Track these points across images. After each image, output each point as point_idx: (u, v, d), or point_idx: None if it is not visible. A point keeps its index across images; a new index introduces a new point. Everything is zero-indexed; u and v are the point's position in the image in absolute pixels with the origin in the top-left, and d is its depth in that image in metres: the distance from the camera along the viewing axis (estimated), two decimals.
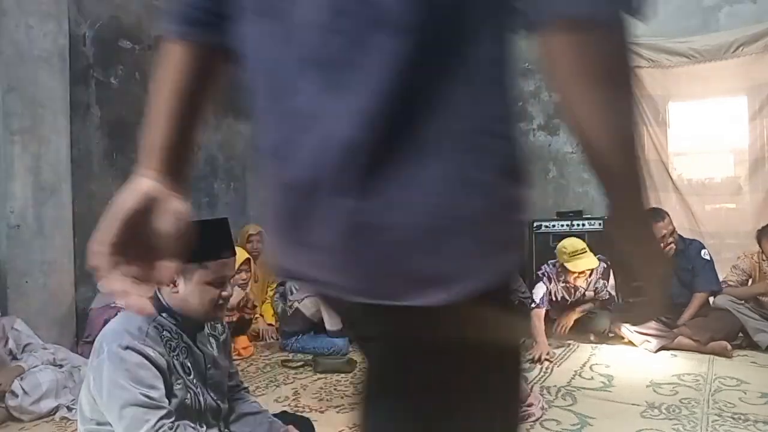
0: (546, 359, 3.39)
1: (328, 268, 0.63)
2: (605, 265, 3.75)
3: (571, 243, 3.74)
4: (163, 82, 0.77)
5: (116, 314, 1.76)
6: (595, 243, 3.95)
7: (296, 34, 0.61)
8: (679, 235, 3.73)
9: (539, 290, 3.83)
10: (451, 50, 0.58)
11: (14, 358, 2.74)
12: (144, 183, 0.73)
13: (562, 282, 3.86)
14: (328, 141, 0.58)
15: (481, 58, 0.60)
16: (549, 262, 3.96)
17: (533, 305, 3.79)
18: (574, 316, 3.86)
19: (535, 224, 4.85)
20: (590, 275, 3.80)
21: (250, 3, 0.67)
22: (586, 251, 3.67)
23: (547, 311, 3.82)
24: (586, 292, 3.91)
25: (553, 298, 3.90)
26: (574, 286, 3.84)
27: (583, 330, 3.86)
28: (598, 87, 0.56)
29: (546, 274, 3.95)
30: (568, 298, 3.94)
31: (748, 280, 3.70)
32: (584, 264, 3.66)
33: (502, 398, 0.68)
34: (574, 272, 3.69)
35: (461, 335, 0.60)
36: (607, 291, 3.89)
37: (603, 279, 3.90)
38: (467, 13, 0.59)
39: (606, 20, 0.56)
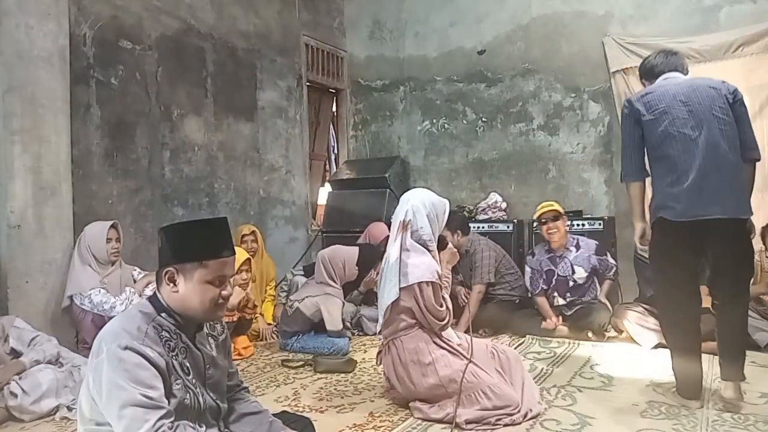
0: (558, 325, 3.91)
1: (720, 204, 2.40)
2: (596, 242, 4.05)
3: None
4: (639, 197, 2.69)
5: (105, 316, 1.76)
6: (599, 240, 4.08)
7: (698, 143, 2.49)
8: None
9: (527, 276, 4.15)
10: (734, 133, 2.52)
11: (16, 356, 2.73)
12: (642, 224, 2.74)
13: (547, 252, 4.07)
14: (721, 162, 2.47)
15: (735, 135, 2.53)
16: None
17: (530, 294, 4.16)
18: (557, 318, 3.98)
19: (534, 224, 4.85)
20: (576, 246, 3.99)
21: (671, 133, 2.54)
22: (552, 204, 4.04)
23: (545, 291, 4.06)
24: (576, 267, 3.98)
25: (543, 276, 4.03)
26: (558, 255, 4.01)
27: (580, 327, 3.87)
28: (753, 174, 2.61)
29: (531, 252, 4.23)
30: (554, 269, 4.02)
31: None
32: (544, 207, 4.03)
33: (752, 257, 2.75)
34: (542, 222, 3.99)
35: (749, 232, 2.56)
36: (612, 264, 4.04)
37: (600, 255, 4.00)
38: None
39: (758, 159, 2.58)
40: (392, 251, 2.68)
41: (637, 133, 2.61)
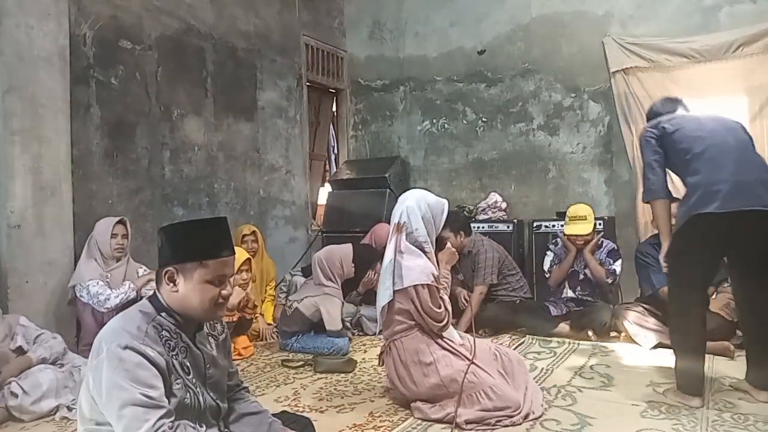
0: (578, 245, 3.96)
1: (757, 197, 2.42)
2: (614, 246, 4.03)
3: (576, 208, 4.07)
4: (666, 214, 2.73)
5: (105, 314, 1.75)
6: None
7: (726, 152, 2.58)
8: None
9: (547, 259, 4.18)
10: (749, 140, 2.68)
11: (22, 354, 2.73)
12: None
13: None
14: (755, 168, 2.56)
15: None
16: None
17: (546, 275, 4.18)
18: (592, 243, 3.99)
19: (534, 224, 4.86)
20: (597, 247, 4.02)
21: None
22: (585, 218, 3.95)
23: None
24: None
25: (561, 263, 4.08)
26: (578, 250, 4.03)
27: (582, 324, 3.87)
28: None
29: (555, 241, 4.22)
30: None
31: None
32: (575, 229, 3.95)
33: None
34: (567, 235, 4.00)
35: None
36: (613, 268, 3.97)
37: (610, 258, 4.01)
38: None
39: None
40: (388, 253, 2.68)
41: (661, 152, 2.71)
